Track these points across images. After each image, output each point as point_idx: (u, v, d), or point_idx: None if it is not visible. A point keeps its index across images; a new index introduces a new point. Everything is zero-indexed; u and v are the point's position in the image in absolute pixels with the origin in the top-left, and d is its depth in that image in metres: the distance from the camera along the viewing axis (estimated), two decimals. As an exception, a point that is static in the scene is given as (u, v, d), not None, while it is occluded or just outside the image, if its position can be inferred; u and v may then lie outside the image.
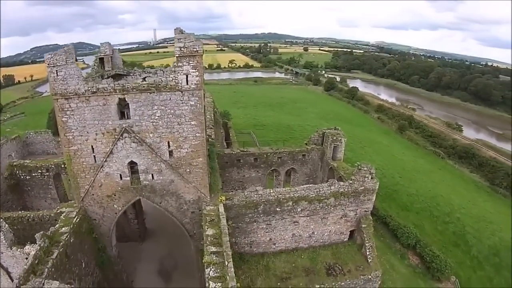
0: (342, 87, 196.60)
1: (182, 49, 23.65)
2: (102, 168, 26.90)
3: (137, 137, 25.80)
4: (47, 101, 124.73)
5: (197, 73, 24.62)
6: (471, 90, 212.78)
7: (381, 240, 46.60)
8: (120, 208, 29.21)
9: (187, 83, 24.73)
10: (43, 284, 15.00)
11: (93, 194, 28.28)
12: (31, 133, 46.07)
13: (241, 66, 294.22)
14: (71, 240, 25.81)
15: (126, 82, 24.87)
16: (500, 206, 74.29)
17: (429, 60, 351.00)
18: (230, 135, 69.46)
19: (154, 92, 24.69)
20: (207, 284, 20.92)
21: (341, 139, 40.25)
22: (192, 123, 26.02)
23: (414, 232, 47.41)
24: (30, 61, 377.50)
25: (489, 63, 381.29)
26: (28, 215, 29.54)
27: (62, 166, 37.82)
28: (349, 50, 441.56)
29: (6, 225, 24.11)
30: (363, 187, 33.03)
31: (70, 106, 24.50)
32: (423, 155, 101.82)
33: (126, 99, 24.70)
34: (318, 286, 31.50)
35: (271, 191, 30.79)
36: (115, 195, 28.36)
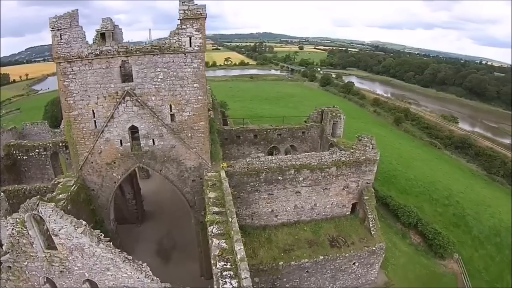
0: (337, 82, 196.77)
1: (186, 11, 23.49)
2: (103, 133, 26.36)
3: (139, 100, 25.36)
4: (42, 98, 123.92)
5: (200, 35, 24.48)
6: (466, 86, 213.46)
7: (381, 221, 46.22)
8: (119, 177, 28.62)
9: (190, 45, 24.58)
10: (37, 205, 14.36)
11: (92, 162, 27.70)
12: (28, 124, 45.54)
13: (237, 63, 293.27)
14: (68, 207, 24.95)
15: (130, 45, 24.58)
16: (498, 193, 74.39)
17: (424, 58, 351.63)
18: (228, 122, 69.09)
19: (157, 54, 24.53)
20: (210, 241, 20.43)
21: (340, 115, 40.05)
22: (195, 85, 25.77)
23: (415, 211, 47.27)
24: (25, 61, 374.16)
25: (484, 62, 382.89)
26: (25, 187, 29.14)
27: (60, 144, 37.41)
28: (344, 49, 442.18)
29: (2, 193, 23.58)
30: (364, 157, 32.78)
31: (72, 69, 24.18)
32: (419, 145, 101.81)
33: (129, 61, 24.49)
34: (322, 257, 31.20)
35: (273, 158, 30.41)
36: (114, 162, 27.78)
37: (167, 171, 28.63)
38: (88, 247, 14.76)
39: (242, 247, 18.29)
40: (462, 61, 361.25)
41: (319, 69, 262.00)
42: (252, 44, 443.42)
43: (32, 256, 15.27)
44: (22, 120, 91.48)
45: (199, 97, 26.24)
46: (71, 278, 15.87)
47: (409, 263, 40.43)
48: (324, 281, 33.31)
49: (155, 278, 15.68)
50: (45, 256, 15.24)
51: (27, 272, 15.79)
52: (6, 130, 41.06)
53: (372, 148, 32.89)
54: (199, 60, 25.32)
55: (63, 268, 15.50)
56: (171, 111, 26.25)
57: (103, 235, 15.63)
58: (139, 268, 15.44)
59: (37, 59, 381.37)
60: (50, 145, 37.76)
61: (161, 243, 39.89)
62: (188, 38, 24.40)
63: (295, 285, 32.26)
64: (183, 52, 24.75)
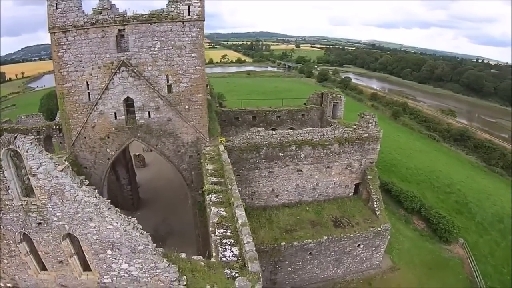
0: (335, 78, 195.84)
1: None
2: (96, 106, 25.25)
3: (135, 71, 24.32)
4: (38, 95, 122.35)
5: (199, 3, 23.88)
6: (463, 82, 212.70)
7: (384, 207, 45.39)
8: (112, 153, 27.35)
9: (188, 14, 23.92)
10: (15, 138, 13.16)
11: (85, 137, 26.48)
12: (23, 116, 45.27)
13: (234, 61, 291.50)
14: (60, 185, 23.99)
15: (127, 13, 23.62)
16: (499, 183, 73.71)
17: (420, 55, 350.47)
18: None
19: (155, 23, 23.70)
20: (208, 210, 19.29)
21: (340, 97, 39.30)
22: (193, 55, 24.93)
23: (418, 196, 46.35)
24: (21, 60, 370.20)
25: (480, 60, 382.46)
26: (15, 165, 27.78)
27: (54, 127, 36.28)
28: (341, 47, 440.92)
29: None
30: (367, 134, 31.86)
31: (67, 39, 23.30)
32: (418, 138, 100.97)
33: (126, 30, 23.58)
34: (326, 238, 30.12)
35: (274, 133, 29.36)
36: (108, 137, 26.56)
37: (163, 146, 27.45)
38: (69, 190, 13.28)
39: (244, 212, 17.13)
40: (458, 59, 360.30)
41: (316, 66, 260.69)
42: (248, 43, 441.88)
43: (7, 205, 13.74)
44: (17, 115, 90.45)
45: (197, 67, 25.38)
46: (50, 232, 14.33)
47: (414, 248, 39.42)
48: (328, 264, 32.28)
49: (145, 232, 14.36)
50: (22, 205, 13.76)
51: (1, 227, 14.42)
52: (1, 123, 40.49)
53: (375, 126, 31.92)
54: (198, 29, 24.61)
55: (41, 219, 13.97)
56: (168, 81, 25.28)
57: (87, 181, 14.32)
58: (127, 219, 14.14)
59: (33, 58, 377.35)
60: (44, 128, 36.60)
61: (157, 229, 38.70)
62: (187, 6, 23.79)
63: (298, 268, 31.18)
64: (181, 21, 24.06)
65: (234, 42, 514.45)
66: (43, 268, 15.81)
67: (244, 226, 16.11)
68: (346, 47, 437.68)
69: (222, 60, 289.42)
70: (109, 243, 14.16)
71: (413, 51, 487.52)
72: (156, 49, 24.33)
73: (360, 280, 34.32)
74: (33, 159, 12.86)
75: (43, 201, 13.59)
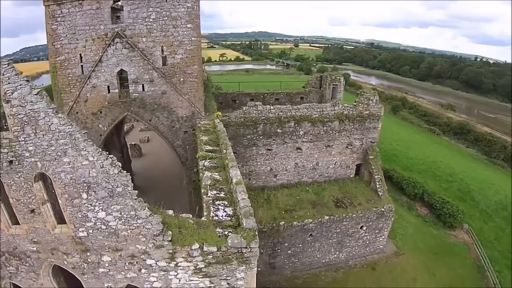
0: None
1: None
2: (89, 79, 24.45)
3: (129, 42, 23.61)
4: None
5: (194, -28, 23.04)
6: (462, 79, 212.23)
7: (386, 188, 44.58)
8: (105, 129, 26.51)
9: None
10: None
11: (77, 112, 25.63)
12: None
13: (232, 59, 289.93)
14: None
15: None
16: (500, 174, 73.03)
17: (419, 54, 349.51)
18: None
19: None
20: (201, 175, 18.38)
21: (340, 79, 38.75)
22: (188, 26, 24.29)
23: (420, 182, 45.52)
24: (20, 61, 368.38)
25: (479, 59, 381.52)
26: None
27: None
28: (339, 46, 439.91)
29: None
30: (368, 111, 31.06)
31: (61, 12, 22.69)
32: (418, 132, 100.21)
33: (121, 1, 22.95)
34: (328, 217, 29.14)
35: (272, 108, 28.49)
36: (101, 112, 25.73)
37: (157, 121, 26.63)
38: (43, 118, 12.00)
39: (239, 172, 16.25)
40: (457, 57, 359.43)
41: (314, 64, 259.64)
42: (247, 43, 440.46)
43: None
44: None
45: (193, 38, 24.76)
46: (21, 172, 12.94)
47: (418, 233, 38.58)
48: (330, 248, 31.28)
49: (125, 171, 13.08)
50: None
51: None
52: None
53: (376, 103, 31.12)
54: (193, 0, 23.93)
55: (13, 156, 12.67)
56: (162, 53, 24.56)
57: (66, 116, 13.12)
58: (104, 154, 12.94)
59: (32, 59, 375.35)
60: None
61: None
62: (182, -25, 23.04)
63: (298, 252, 30.21)
64: None
65: (232, 42, 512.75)
66: (16, 222, 14.69)
67: (239, 184, 15.23)
68: (344, 46, 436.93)
69: (221, 58, 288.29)
70: (85, 184, 12.83)
71: (412, 51, 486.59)
72: (151, 20, 23.74)
73: (363, 265, 33.30)
74: (9, 83, 11.84)
75: (16, 133, 12.38)
